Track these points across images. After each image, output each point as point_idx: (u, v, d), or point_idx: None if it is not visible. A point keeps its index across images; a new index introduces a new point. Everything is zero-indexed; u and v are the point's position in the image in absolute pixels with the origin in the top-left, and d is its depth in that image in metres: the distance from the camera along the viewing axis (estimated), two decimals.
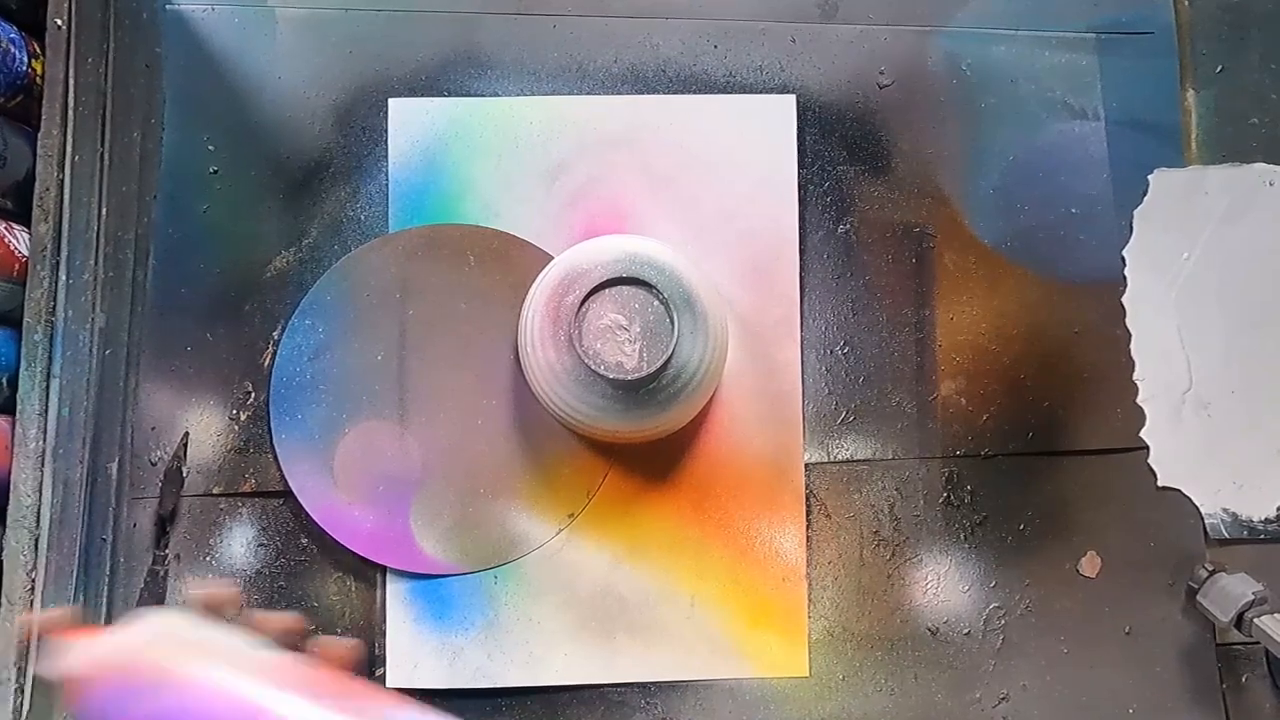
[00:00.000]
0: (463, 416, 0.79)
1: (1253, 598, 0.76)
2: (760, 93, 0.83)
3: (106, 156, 0.76)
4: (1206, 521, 0.82)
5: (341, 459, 0.78)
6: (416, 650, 0.77)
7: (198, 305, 0.79)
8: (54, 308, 0.72)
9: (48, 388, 0.71)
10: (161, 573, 0.77)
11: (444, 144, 0.81)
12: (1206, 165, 0.85)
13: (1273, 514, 0.83)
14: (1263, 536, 0.82)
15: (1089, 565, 0.82)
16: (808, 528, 0.80)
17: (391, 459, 0.78)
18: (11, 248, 0.72)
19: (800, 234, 0.82)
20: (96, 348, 0.74)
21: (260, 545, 0.78)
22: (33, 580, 0.69)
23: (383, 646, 0.77)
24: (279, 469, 0.78)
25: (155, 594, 0.76)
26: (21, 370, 0.71)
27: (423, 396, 0.79)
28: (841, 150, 0.83)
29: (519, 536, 0.79)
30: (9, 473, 0.70)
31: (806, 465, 0.81)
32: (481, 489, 0.79)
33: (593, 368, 0.71)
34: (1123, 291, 0.83)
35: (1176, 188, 0.84)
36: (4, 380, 0.72)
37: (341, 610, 0.78)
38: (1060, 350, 0.83)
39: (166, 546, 0.77)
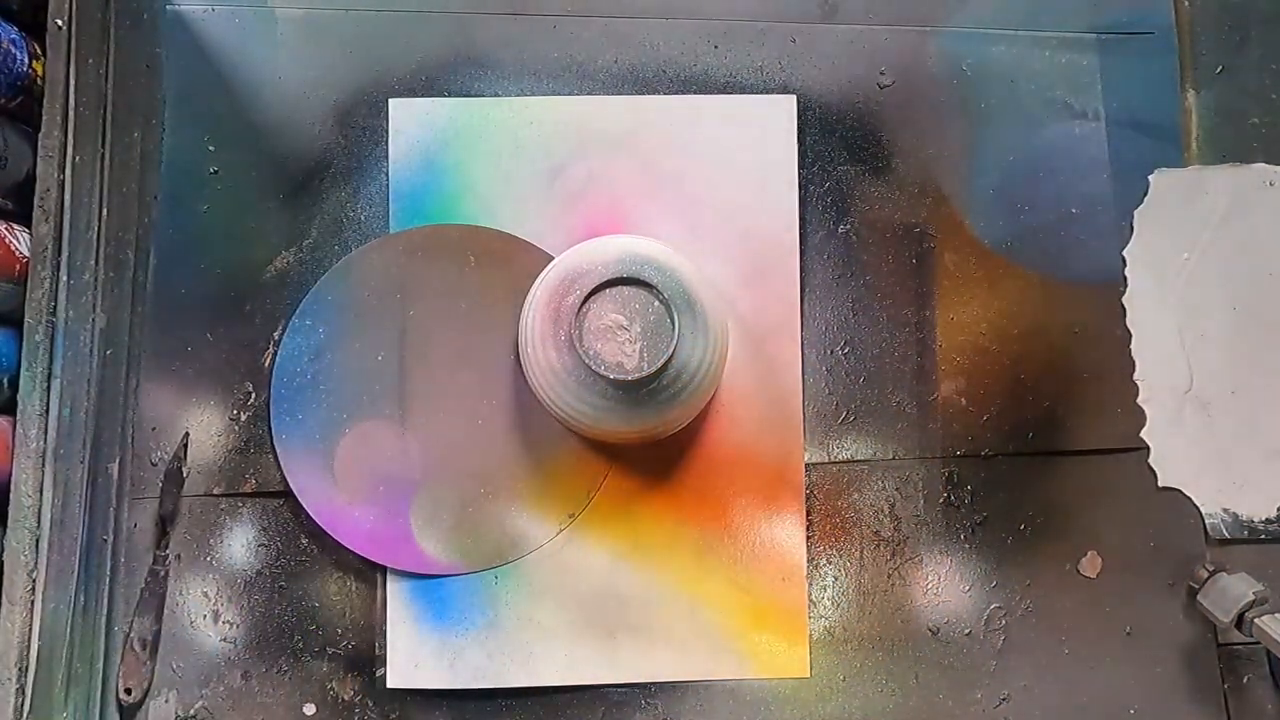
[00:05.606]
0: (463, 416, 0.79)
1: (1253, 598, 0.76)
2: (760, 93, 0.83)
3: (107, 157, 0.76)
4: (1206, 521, 0.82)
5: (342, 459, 0.78)
6: (416, 650, 0.77)
7: (198, 305, 0.79)
8: (55, 308, 0.72)
9: (48, 388, 0.71)
10: (162, 573, 0.77)
11: (444, 144, 0.81)
12: (1207, 165, 0.85)
13: (1273, 514, 0.83)
14: (1263, 536, 0.82)
15: (1089, 565, 0.82)
16: (808, 528, 0.80)
17: (391, 459, 0.78)
18: (12, 248, 0.72)
19: (800, 234, 0.82)
20: (97, 348, 0.74)
21: (260, 545, 0.78)
22: (33, 580, 0.69)
23: (383, 646, 0.77)
24: (279, 469, 0.78)
25: (155, 594, 0.76)
26: (22, 370, 0.71)
27: (423, 396, 0.79)
28: (842, 150, 0.83)
29: (519, 536, 0.79)
30: (10, 473, 0.70)
31: (806, 465, 0.81)
32: (481, 489, 0.79)
33: (593, 368, 0.71)
34: (1123, 291, 0.83)
35: (1177, 188, 0.84)
36: (5, 380, 0.72)
37: (341, 610, 0.78)
38: (1060, 350, 0.83)
39: (167, 546, 0.77)
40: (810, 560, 0.80)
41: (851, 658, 0.80)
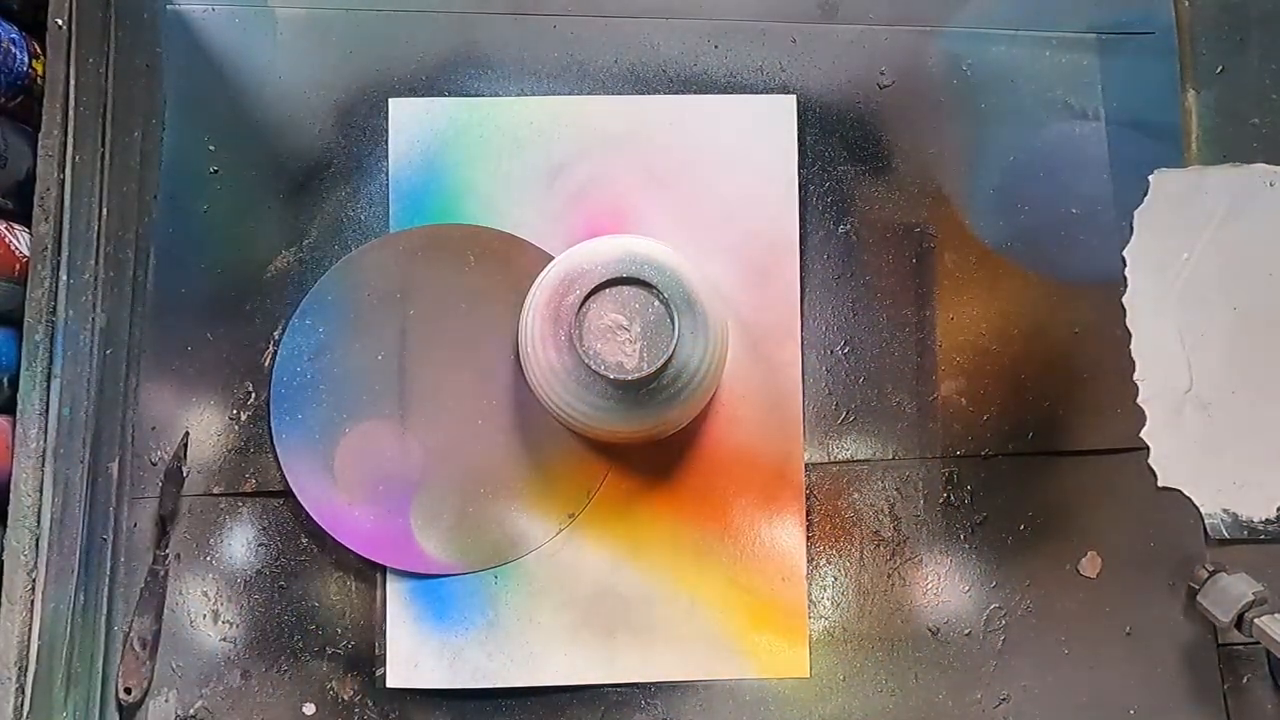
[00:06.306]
0: (463, 416, 0.79)
1: (1253, 598, 0.76)
2: (760, 93, 0.83)
3: (107, 156, 0.75)
4: (1206, 521, 0.82)
5: (341, 459, 0.78)
6: (416, 650, 0.77)
7: (198, 305, 0.79)
8: (54, 308, 0.72)
9: (48, 387, 0.71)
10: (161, 572, 0.77)
11: (444, 144, 0.81)
12: (1207, 165, 0.85)
13: (1273, 514, 0.83)
14: (1263, 536, 0.82)
15: (1089, 565, 0.82)
16: (808, 528, 0.80)
17: (391, 459, 0.78)
18: (12, 248, 0.72)
19: (800, 234, 0.82)
20: (97, 347, 0.74)
21: (260, 545, 0.78)
22: (33, 580, 0.69)
23: (383, 646, 0.77)
24: (279, 469, 0.78)
25: (155, 594, 0.76)
26: (22, 370, 0.71)
27: (423, 396, 0.79)
28: (842, 150, 0.83)
29: (519, 536, 0.79)
30: (10, 472, 0.70)
31: (806, 465, 0.81)
32: (481, 489, 0.79)
33: (593, 368, 0.71)
34: (1123, 291, 0.83)
35: (1177, 188, 0.84)
36: (5, 380, 0.72)
37: (341, 610, 0.78)
38: (1060, 350, 0.83)
39: (166, 546, 0.77)
40: (810, 560, 0.80)
41: (851, 658, 0.80)
